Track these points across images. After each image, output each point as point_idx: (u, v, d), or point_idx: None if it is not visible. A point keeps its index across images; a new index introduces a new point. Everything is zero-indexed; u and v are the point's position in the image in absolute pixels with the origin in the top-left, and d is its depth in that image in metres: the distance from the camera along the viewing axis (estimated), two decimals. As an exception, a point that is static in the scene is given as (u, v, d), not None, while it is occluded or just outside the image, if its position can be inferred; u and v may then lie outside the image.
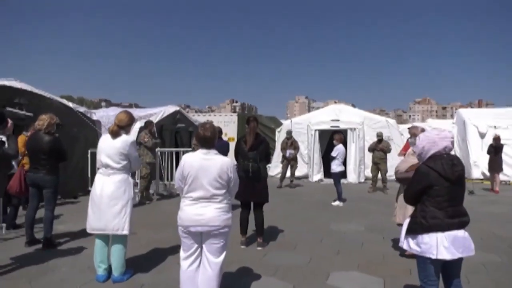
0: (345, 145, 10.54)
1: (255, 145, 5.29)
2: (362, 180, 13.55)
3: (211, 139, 3.33)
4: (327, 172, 13.25)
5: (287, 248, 5.43)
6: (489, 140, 14.27)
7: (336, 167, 8.77)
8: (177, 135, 14.36)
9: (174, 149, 11.41)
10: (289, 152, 12.09)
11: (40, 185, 5.01)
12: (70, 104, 9.65)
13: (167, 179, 10.78)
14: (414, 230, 2.85)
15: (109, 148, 4.03)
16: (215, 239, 3.26)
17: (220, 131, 7.94)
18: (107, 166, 4.05)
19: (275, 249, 5.38)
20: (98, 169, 4.21)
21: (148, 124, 9.04)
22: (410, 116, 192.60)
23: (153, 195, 9.69)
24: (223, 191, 3.30)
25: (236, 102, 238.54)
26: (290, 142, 12.28)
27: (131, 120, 4.17)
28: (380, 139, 11.28)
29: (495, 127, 14.55)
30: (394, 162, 13.48)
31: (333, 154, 8.79)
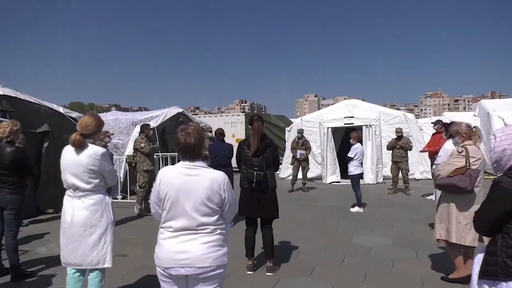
0: (360, 143, 9.59)
1: (260, 149, 4.40)
2: (380, 181, 12.55)
3: (196, 148, 2.42)
4: (343, 173, 12.33)
5: (303, 272, 4.52)
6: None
7: (354, 169, 7.83)
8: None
9: (176, 154, 10.62)
10: (299, 152, 11.15)
11: (1, 205, 4.19)
12: (61, 109, 8.88)
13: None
14: (493, 273, 1.93)
15: (74, 165, 3.17)
16: (206, 284, 2.38)
17: (221, 133, 7.09)
18: (75, 188, 3.21)
19: (288, 274, 4.47)
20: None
21: (144, 127, 8.21)
22: (422, 110, 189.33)
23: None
24: (215, 217, 2.41)
25: (245, 102, 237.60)
26: (302, 142, 11.35)
27: (99, 125, 3.30)
28: (399, 135, 10.30)
29: (523, 118, 13.41)
30: (414, 159, 12.57)
31: (350, 154, 7.85)
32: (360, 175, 7.94)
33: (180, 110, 13.35)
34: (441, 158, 5.77)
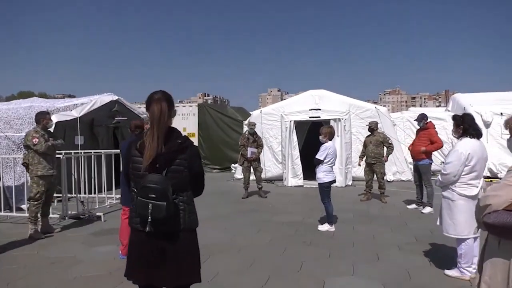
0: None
1: (163, 157, 2.33)
2: (350, 183, 10.90)
3: None
4: (308, 175, 10.56)
5: None
6: (495, 131, 12.01)
7: (323, 175, 5.96)
8: (116, 131, 11.28)
9: (102, 151, 8.39)
10: (250, 151, 9.21)
11: None
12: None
13: (90, 192, 7.75)
14: None
15: None
16: None
17: (138, 126, 4.98)
18: None
19: None
20: None
21: (40, 117, 5.93)
22: (383, 106, 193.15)
23: (61, 219, 6.63)
24: None
25: (208, 95, 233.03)
26: (253, 138, 9.41)
27: None
28: (372, 128, 8.61)
29: (501, 114, 12.18)
30: (395, 161, 10.97)
31: (320, 156, 5.96)
32: (332, 183, 6.10)
33: (115, 97, 11.02)
34: (452, 165, 4.02)
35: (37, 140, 5.68)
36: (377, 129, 8.69)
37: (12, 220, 6.92)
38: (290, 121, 11.27)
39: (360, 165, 9.38)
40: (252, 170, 9.46)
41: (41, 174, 5.74)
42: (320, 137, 6.08)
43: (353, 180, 11.00)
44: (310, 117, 11.30)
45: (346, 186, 10.74)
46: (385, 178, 9.00)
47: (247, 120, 12.77)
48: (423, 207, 7.45)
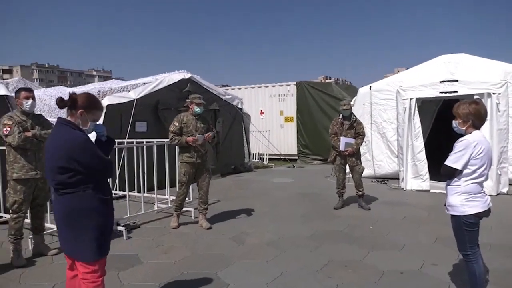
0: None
1: None
2: (505, 190, 7.27)
3: None
4: (436, 174, 7.36)
5: None
6: None
7: (462, 200, 2.85)
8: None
9: (154, 141, 6.60)
10: (345, 142, 6.40)
11: None
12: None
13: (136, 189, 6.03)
14: None
15: None
16: None
17: (61, 101, 2.78)
18: None
19: None
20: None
21: (17, 95, 4.20)
22: None
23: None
24: None
25: (330, 78, 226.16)
26: (349, 124, 6.56)
27: None
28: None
29: None
30: None
31: (454, 161, 2.89)
32: (481, 217, 3.02)
33: (188, 75, 9.27)
34: None
35: (9, 129, 3.98)
36: None
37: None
38: (411, 99, 8.03)
39: None
40: (348, 169, 6.69)
41: (17, 177, 4.05)
42: (454, 123, 3.08)
43: (510, 186, 7.34)
44: (441, 92, 7.87)
45: (498, 194, 7.16)
46: None
47: (353, 99, 9.86)
48: None
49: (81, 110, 2.46)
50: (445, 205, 3.10)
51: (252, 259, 4.23)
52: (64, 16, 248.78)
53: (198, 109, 5.43)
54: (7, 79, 18.63)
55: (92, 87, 8.78)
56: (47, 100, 8.35)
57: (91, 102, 2.54)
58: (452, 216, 3.01)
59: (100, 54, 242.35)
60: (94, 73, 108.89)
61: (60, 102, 2.42)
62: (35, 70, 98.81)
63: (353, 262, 4.08)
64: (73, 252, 2.51)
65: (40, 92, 9.95)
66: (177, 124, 5.38)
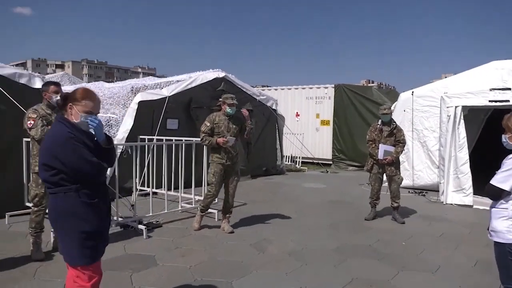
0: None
1: None
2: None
3: None
4: (478, 189, 6.80)
5: None
6: None
7: (508, 226, 2.57)
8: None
9: (183, 139, 6.49)
10: (383, 149, 6.00)
11: None
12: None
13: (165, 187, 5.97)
14: None
15: None
16: None
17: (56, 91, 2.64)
18: None
19: None
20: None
21: (43, 89, 4.19)
22: None
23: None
24: None
25: (372, 82, 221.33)
26: (389, 131, 6.15)
27: None
28: None
29: None
30: None
31: (501, 181, 2.53)
32: None
33: (222, 74, 9.17)
34: None
35: (33, 122, 3.99)
36: None
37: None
38: (456, 106, 7.47)
39: None
40: (385, 178, 6.29)
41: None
42: (504, 137, 2.70)
43: None
44: (490, 101, 7.26)
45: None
46: None
47: (394, 104, 9.37)
48: None
49: (69, 104, 2.34)
50: (488, 229, 2.73)
51: (270, 270, 4.00)
52: (117, 13, 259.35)
53: (230, 109, 5.27)
54: (50, 74, 19.43)
55: (128, 83, 8.87)
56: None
57: (79, 93, 2.38)
58: (496, 243, 2.64)
59: (146, 51, 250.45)
60: (139, 70, 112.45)
61: (58, 104, 2.36)
62: (85, 66, 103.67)
63: (379, 282, 3.75)
64: (61, 251, 2.41)
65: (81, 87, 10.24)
66: (208, 124, 5.25)
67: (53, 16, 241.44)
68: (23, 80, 6.01)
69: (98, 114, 2.46)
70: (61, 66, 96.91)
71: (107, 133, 2.62)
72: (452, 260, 4.41)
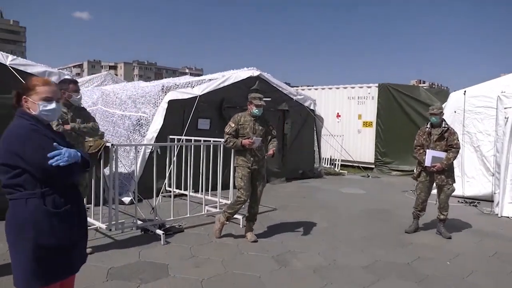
0: None
1: None
2: None
3: None
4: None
5: None
6: None
7: None
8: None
9: (202, 139, 6.23)
10: (432, 155, 5.34)
11: None
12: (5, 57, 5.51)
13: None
14: None
15: None
16: None
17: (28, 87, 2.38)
18: None
19: None
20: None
21: (62, 87, 4.05)
22: None
23: (109, 229, 4.82)
24: None
25: (424, 82, 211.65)
26: (439, 133, 5.48)
27: None
28: None
29: None
30: None
31: None
32: None
33: (256, 72, 8.84)
34: None
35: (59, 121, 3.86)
36: None
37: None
38: (515, 107, 6.64)
39: None
40: (433, 187, 5.64)
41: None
42: None
43: None
44: (557, 102, 6.37)
45: None
46: None
47: (444, 104, 8.56)
48: None
49: (23, 98, 2.08)
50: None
51: (290, 289, 3.59)
52: (169, 16, 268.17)
53: (256, 110, 4.91)
54: (95, 73, 20.06)
55: (159, 82, 8.78)
56: (119, 94, 8.53)
57: (28, 83, 2.13)
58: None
59: (193, 52, 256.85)
60: (187, 70, 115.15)
61: (13, 105, 2.12)
62: (136, 67, 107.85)
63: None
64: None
65: (119, 86, 10.33)
66: (233, 125, 4.92)
67: (109, 20, 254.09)
68: (53, 79, 6.01)
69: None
70: (114, 67, 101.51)
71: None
72: (506, 286, 3.76)
